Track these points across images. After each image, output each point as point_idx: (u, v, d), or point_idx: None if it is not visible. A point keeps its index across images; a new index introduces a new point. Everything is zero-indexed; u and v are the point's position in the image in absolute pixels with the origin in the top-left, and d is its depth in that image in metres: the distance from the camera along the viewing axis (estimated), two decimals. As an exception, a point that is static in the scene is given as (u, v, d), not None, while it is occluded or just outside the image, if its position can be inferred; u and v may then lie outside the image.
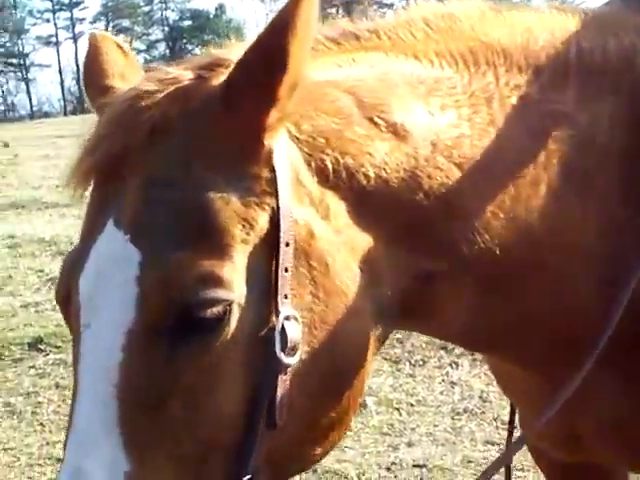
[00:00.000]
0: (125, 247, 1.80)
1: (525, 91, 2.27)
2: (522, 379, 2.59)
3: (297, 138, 1.95)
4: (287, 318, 1.83)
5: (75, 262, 1.89)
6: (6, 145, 28.48)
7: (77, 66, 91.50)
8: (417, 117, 2.12)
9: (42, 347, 8.49)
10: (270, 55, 1.84)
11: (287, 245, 1.85)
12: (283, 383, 1.83)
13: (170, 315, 1.76)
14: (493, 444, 6.12)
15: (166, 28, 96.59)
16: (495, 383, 6.13)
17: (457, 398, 6.83)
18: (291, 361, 1.84)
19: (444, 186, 2.10)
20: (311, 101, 2.00)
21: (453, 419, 6.55)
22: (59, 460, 6.23)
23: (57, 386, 7.59)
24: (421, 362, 7.48)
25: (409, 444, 6.22)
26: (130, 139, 1.86)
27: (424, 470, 5.85)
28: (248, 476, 1.81)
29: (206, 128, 1.86)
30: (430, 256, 2.10)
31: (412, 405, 6.80)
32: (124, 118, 1.89)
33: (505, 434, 5.97)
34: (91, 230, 1.88)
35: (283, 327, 1.82)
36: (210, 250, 1.78)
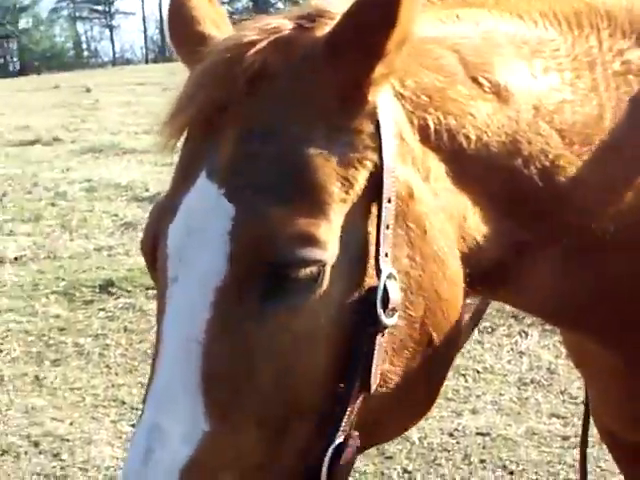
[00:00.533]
0: (218, 200, 1.74)
1: (628, 57, 2.18)
2: (597, 357, 2.51)
3: (401, 94, 1.88)
4: (389, 277, 1.76)
5: (164, 212, 1.84)
6: (88, 90, 28.71)
7: (160, 15, 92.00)
8: (520, 79, 2.04)
9: (113, 290, 8.57)
10: (380, 9, 1.76)
11: (389, 202, 1.78)
12: (380, 345, 1.77)
13: (262, 273, 1.69)
14: (558, 417, 6.04)
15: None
16: (564, 355, 6.07)
17: (525, 368, 6.75)
18: (390, 322, 1.77)
19: (544, 153, 2.02)
20: (415, 57, 1.92)
21: (519, 389, 6.48)
22: (123, 403, 6.33)
23: (125, 330, 7.68)
24: (490, 329, 7.40)
25: (473, 411, 6.16)
26: (229, 89, 1.79)
27: (487, 439, 5.80)
28: (339, 441, 1.75)
29: (309, 79, 1.79)
30: (526, 224, 2.03)
31: (478, 372, 6.74)
32: (223, 67, 1.82)
33: (571, 407, 5.97)
34: (182, 181, 1.82)
35: (385, 286, 1.75)
36: (307, 208, 1.71)
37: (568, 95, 2.09)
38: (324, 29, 1.83)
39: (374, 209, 1.78)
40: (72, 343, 7.48)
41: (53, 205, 12.28)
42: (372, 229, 1.78)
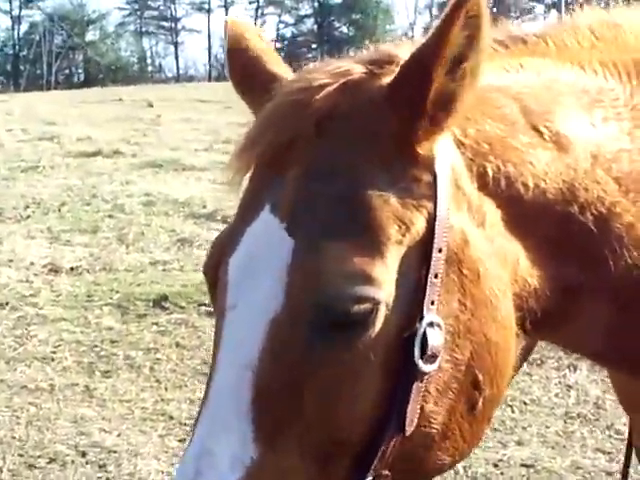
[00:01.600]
0: (280, 234, 1.82)
1: None
2: None
3: (461, 142, 1.94)
4: (430, 324, 1.81)
5: (227, 242, 1.93)
6: (150, 105, 29.04)
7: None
8: (580, 128, 2.09)
9: (166, 305, 8.67)
10: (418, 68, 1.85)
11: (440, 251, 1.84)
12: (418, 390, 1.81)
13: (318, 307, 1.76)
14: (604, 452, 5.99)
15: (316, 4, 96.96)
16: (611, 391, 6.01)
17: (572, 402, 6.71)
18: (429, 369, 1.81)
19: (600, 200, 2.07)
20: (478, 105, 1.97)
21: (565, 422, 6.44)
22: (171, 418, 6.39)
23: (177, 345, 7.76)
24: (539, 361, 7.36)
25: (519, 442, 6.14)
26: (297, 129, 1.87)
27: (531, 470, 5.78)
28: (370, 478, 1.80)
29: (372, 126, 1.86)
30: (577, 269, 2.07)
31: (525, 404, 6.71)
32: (293, 108, 1.90)
33: (617, 443, 5.91)
34: (246, 214, 1.91)
35: (425, 333, 1.80)
36: (364, 247, 1.77)
37: (626, 144, 2.13)
38: (391, 76, 1.90)
39: (427, 256, 1.83)
40: (123, 356, 7.58)
41: (111, 217, 12.45)
42: (423, 275, 1.83)
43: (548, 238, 2.02)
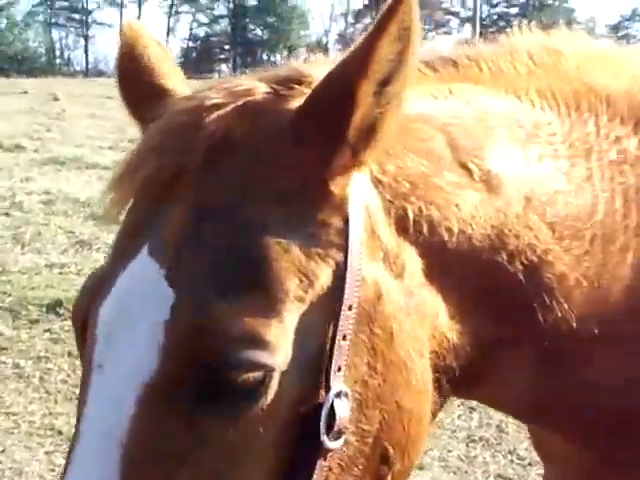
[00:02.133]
0: (157, 283, 1.55)
1: (624, 146, 2.04)
2: (567, 456, 2.34)
3: (379, 180, 1.71)
4: (337, 395, 1.56)
5: (98, 287, 1.64)
6: (56, 99, 28.44)
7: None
8: (513, 166, 1.88)
9: (60, 311, 8.33)
10: (338, 92, 1.60)
11: (350, 309, 1.59)
12: (320, 469, 1.57)
13: (199, 373, 1.49)
14: (505, 478, 5.92)
15: (231, 5, 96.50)
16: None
17: (474, 425, 6.61)
18: (334, 445, 1.57)
19: (531, 248, 1.87)
20: (400, 137, 1.74)
21: (468, 446, 6.34)
22: (60, 433, 6.12)
23: (69, 354, 7.42)
24: (442, 382, 7.26)
25: (420, 467, 5.99)
26: (182, 159, 1.60)
27: (432, 498, 5.64)
28: None
29: (272, 158, 1.61)
30: (504, 322, 1.87)
31: (427, 425, 6.58)
32: (179, 133, 1.63)
33: (518, 469, 5.82)
34: (121, 254, 1.63)
35: (332, 406, 1.55)
36: (258, 304, 1.51)
37: (562, 185, 1.94)
38: (299, 100, 1.65)
39: (333, 314, 1.58)
40: (12, 364, 7.25)
41: (7, 215, 12.05)
42: (329, 337, 1.58)
43: (471, 289, 1.81)
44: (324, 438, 1.55)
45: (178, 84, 1.89)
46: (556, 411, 2.04)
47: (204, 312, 1.50)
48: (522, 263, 1.85)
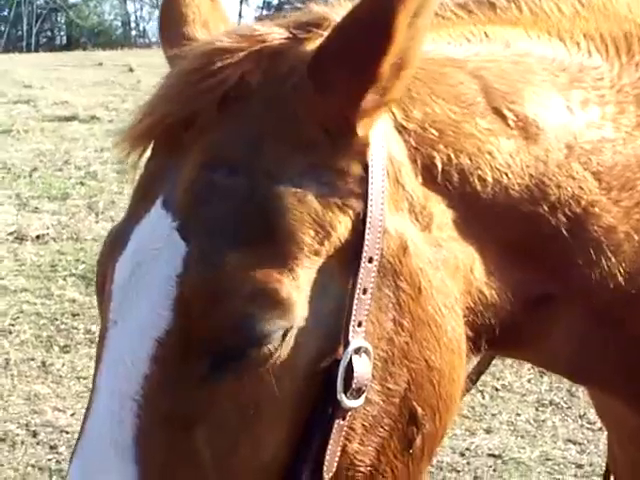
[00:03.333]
0: (170, 235, 1.51)
1: None
2: (626, 421, 2.26)
3: (403, 127, 1.63)
4: (357, 351, 1.51)
5: (115, 242, 1.61)
6: (130, 70, 28.65)
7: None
8: (554, 113, 1.78)
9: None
10: (370, 28, 1.50)
11: (370, 261, 1.53)
12: (339, 429, 1.51)
13: (211, 328, 1.45)
14: (575, 443, 5.84)
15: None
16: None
17: (544, 388, 6.53)
18: (353, 404, 1.51)
19: (575, 199, 1.77)
20: (427, 82, 1.67)
21: (537, 410, 6.27)
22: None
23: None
24: (512, 346, 7.18)
25: (487, 431, 5.96)
26: (197, 104, 1.55)
27: (499, 461, 5.60)
28: None
29: (289, 104, 1.54)
30: (546, 277, 1.78)
31: (497, 390, 6.52)
32: (193, 78, 1.58)
33: (588, 434, 5.74)
34: (137, 207, 1.59)
35: (350, 362, 1.49)
36: (272, 258, 1.46)
37: (609, 133, 1.83)
38: (317, 42, 1.58)
39: (353, 267, 1.52)
40: (84, 330, 7.35)
41: (82, 184, 12.17)
42: (347, 291, 1.52)
43: (510, 243, 1.73)
44: (341, 396, 1.50)
45: (212, 32, 1.84)
46: (608, 369, 1.95)
47: (215, 265, 1.46)
48: (566, 215, 1.76)
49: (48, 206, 11.01)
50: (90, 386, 5.16)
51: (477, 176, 1.68)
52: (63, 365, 6.73)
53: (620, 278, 1.83)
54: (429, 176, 1.64)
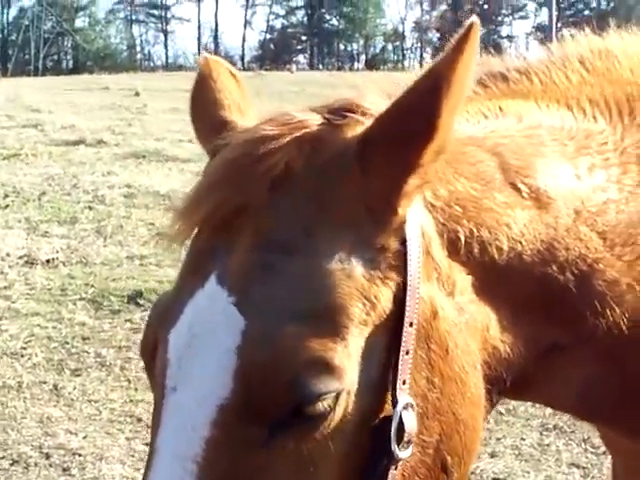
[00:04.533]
0: (227, 310, 1.60)
1: None
2: (632, 453, 2.38)
3: (432, 204, 1.75)
4: (405, 407, 1.63)
5: (167, 313, 1.70)
6: (137, 94, 28.89)
7: (216, 22, 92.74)
8: (563, 182, 1.92)
9: (141, 302, 8.54)
10: (417, 119, 1.62)
11: (411, 325, 1.65)
12: (392, 478, 1.64)
13: (270, 394, 1.55)
14: (579, 467, 5.90)
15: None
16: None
17: (548, 412, 6.59)
18: (404, 455, 1.64)
19: (582, 258, 1.90)
20: (451, 162, 1.79)
21: (541, 434, 6.34)
22: (139, 420, 6.28)
23: (149, 344, 7.60)
24: (516, 370, 7.25)
25: (492, 455, 6.03)
26: (247, 192, 1.66)
27: (504, 485, 5.67)
28: None
29: (335, 187, 1.66)
30: (555, 330, 1.91)
31: (501, 414, 6.60)
32: (241, 166, 1.69)
33: (592, 458, 5.81)
34: (189, 282, 1.69)
35: (400, 417, 1.62)
36: (324, 330, 1.58)
37: (613, 194, 1.96)
38: (355, 128, 1.70)
39: (395, 332, 1.65)
40: (94, 353, 7.45)
41: (90, 209, 12.32)
42: (392, 354, 1.65)
43: (522, 301, 1.85)
44: (395, 448, 1.62)
45: (245, 116, 1.94)
46: (610, 405, 2.07)
47: (273, 338, 1.55)
48: (573, 273, 1.89)
49: (57, 230, 11.15)
50: (101, 409, 5.25)
51: (495, 246, 1.81)
52: (74, 388, 6.83)
53: (623, 325, 1.95)
54: (453, 249, 1.76)
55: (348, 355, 1.59)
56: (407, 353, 1.64)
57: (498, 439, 6.25)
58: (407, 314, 1.65)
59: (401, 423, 1.62)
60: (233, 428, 1.57)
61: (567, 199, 1.90)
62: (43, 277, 9.30)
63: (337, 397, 1.58)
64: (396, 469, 1.64)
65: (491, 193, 1.82)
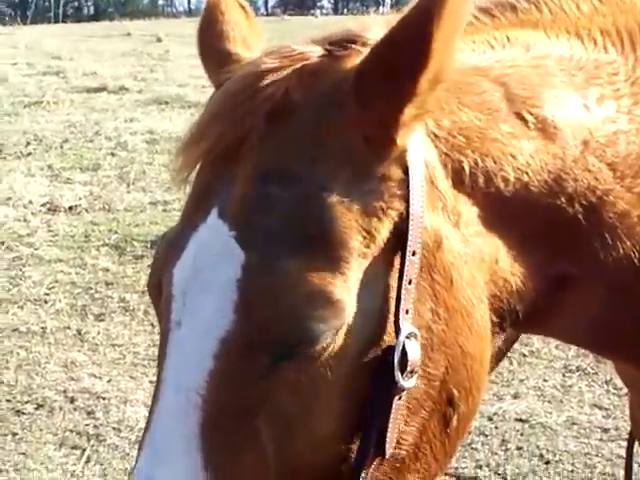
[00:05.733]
0: (228, 244, 1.62)
1: None
2: None
3: (435, 135, 1.74)
4: (408, 336, 1.64)
5: (171, 248, 1.73)
6: (159, 40, 28.71)
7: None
8: (570, 112, 1.89)
9: (164, 247, 8.52)
10: (409, 48, 1.60)
11: (413, 254, 1.65)
12: (397, 408, 1.65)
13: (270, 328, 1.57)
14: (600, 408, 5.91)
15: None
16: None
17: (571, 354, 6.60)
18: (408, 384, 1.64)
19: (591, 189, 1.88)
20: (455, 92, 1.77)
21: (564, 376, 6.34)
22: (163, 363, 6.28)
23: (172, 288, 7.62)
24: (539, 312, 7.24)
25: (515, 396, 6.04)
26: (246, 123, 1.66)
27: (526, 425, 5.69)
28: None
29: (333, 117, 1.65)
30: (566, 261, 1.90)
31: (524, 356, 6.60)
32: (240, 98, 1.69)
33: (614, 399, 5.82)
34: (192, 216, 1.70)
35: (404, 346, 1.63)
36: (323, 263, 1.58)
37: (623, 125, 1.93)
38: (355, 59, 1.69)
39: (397, 262, 1.65)
40: (118, 298, 7.49)
41: (113, 155, 12.31)
42: (393, 284, 1.65)
43: (531, 233, 1.84)
44: (399, 377, 1.62)
45: (255, 51, 1.94)
46: (620, 337, 2.06)
47: (272, 272, 1.57)
48: (582, 205, 1.87)
49: (80, 177, 11.16)
50: (124, 353, 5.31)
51: (500, 177, 1.79)
52: (98, 333, 6.87)
53: (634, 258, 1.94)
54: (458, 179, 1.75)
55: (347, 289, 1.59)
56: (410, 282, 1.64)
57: (521, 380, 6.26)
58: (410, 243, 1.64)
59: (404, 352, 1.62)
60: (234, 360, 1.59)
61: (575, 130, 1.87)
62: (66, 224, 9.34)
63: (339, 329, 1.58)
64: (400, 399, 1.65)
65: (496, 123, 1.81)
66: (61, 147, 12.75)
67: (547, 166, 1.84)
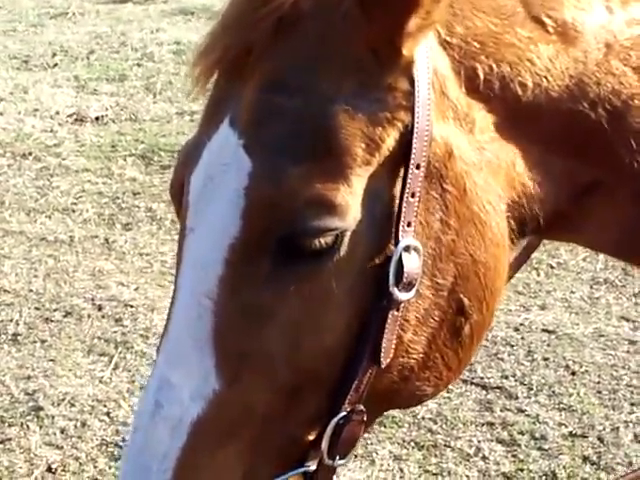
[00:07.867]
0: (237, 152, 1.67)
1: None
2: None
3: (447, 42, 1.72)
4: (406, 249, 1.66)
5: (189, 158, 1.77)
6: (185, -50, 28.37)
7: None
8: (592, 15, 1.83)
9: (191, 156, 8.50)
10: None
11: (417, 167, 1.66)
12: (394, 320, 1.68)
13: (275, 235, 1.64)
14: (628, 320, 5.90)
15: None
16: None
17: (599, 267, 6.56)
18: (405, 297, 1.67)
19: (615, 94, 1.84)
20: None
21: (591, 288, 6.32)
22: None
23: (199, 197, 7.62)
24: (568, 224, 7.18)
25: (542, 307, 6.04)
26: (253, 34, 1.67)
27: (552, 336, 5.69)
28: (343, 414, 1.70)
29: (340, 27, 1.66)
30: (590, 166, 1.87)
31: (552, 267, 6.57)
32: (249, 8, 1.69)
33: (643, 311, 5.79)
34: (208, 126, 1.75)
35: (400, 258, 1.65)
36: (327, 170, 1.62)
37: None
38: None
39: (402, 174, 1.67)
40: (145, 208, 7.48)
41: (139, 66, 12.19)
42: (398, 195, 1.67)
43: (553, 137, 1.82)
44: (393, 289, 1.65)
45: None
46: None
47: (277, 179, 1.63)
48: (606, 110, 1.83)
49: (106, 88, 11.09)
50: (152, 262, 5.33)
51: (518, 82, 1.77)
52: (126, 242, 6.89)
53: None
54: (471, 86, 1.74)
55: (351, 193, 1.62)
56: (413, 196, 1.66)
57: (548, 292, 6.24)
58: (413, 155, 1.65)
59: (400, 264, 1.64)
60: (241, 266, 1.66)
61: (597, 33, 1.83)
62: (93, 134, 9.30)
63: (342, 236, 1.62)
64: (398, 311, 1.67)
65: (512, 28, 1.77)
66: (87, 58, 12.64)
67: (568, 70, 1.80)
